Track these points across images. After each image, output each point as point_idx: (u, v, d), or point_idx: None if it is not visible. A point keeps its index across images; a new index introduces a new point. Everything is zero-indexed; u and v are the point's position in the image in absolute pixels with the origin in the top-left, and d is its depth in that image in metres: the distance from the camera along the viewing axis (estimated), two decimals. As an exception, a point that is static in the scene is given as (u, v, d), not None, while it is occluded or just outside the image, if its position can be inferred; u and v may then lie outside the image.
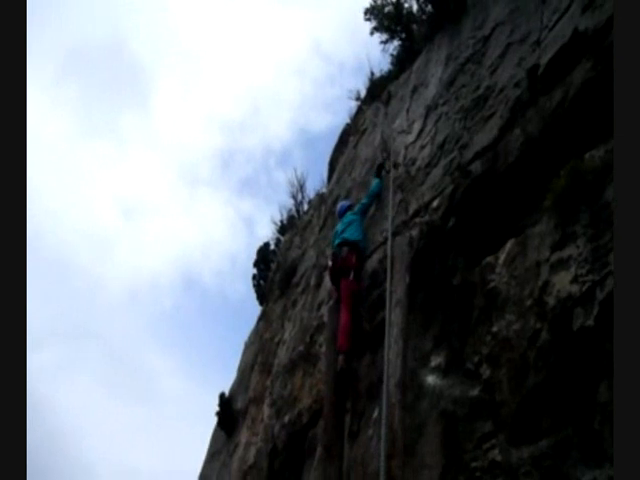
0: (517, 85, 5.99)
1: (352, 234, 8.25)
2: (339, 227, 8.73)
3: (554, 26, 5.73)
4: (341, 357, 7.34)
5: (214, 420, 13.94)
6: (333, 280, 8.22)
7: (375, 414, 6.40)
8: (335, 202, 10.64)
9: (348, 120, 12.54)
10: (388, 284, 6.48)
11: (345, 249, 8.03)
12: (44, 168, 60.19)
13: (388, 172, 8.41)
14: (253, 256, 15.66)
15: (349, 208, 9.06)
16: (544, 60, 5.69)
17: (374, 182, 8.69)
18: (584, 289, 4.15)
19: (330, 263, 8.24)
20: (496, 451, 4.42)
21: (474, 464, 4.56)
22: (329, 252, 8.95)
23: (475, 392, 4.89)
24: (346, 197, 9.87)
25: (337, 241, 8.36)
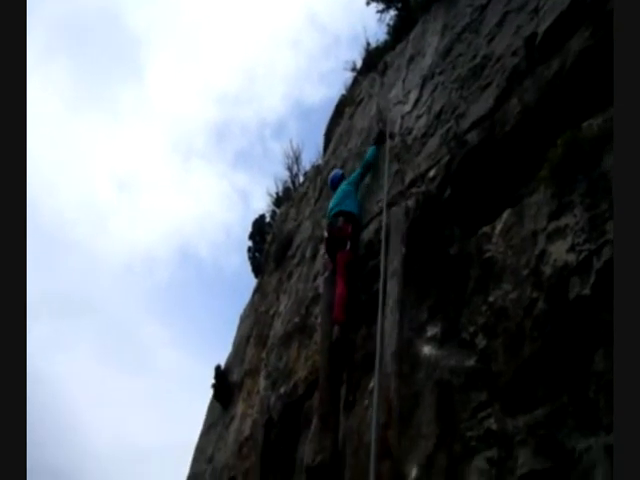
0: (514, 54, 5.91)
1: (348, 205, 8.19)
2: (334, 198, 8.68)
3: (552, -7, 5.65)
4: (337, 328, 7.34)
5: (210, 392, 14.02)
6: (329, 251, 8.19)
7: (371, 385, 6.40)
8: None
9: (344, 91, 12.47)
10: (382, 255, 6.46)
11: (341, 219, 7.99)
12: (38, 141, 59.81)
13: (384, 142, 8.35)
14: (248, 229, 15.65)
15: (342, 177, 9.00)
16: (542, 28, 5.61)
17: (369, 150, 8.63)
18: (581, 258, 4.13)
19: (326, 234, 8.22)
20: (491, 420, 4.43)
21: (469, 433, 4.57)
22: (325, 223, 8.92)
23: (471, 362, 4.89)
24: (342, 168, 9.79)
25: (333, 212, 8.32)
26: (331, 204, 8.60)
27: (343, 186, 8.61)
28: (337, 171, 9.38)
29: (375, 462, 4.80)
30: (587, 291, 3.98)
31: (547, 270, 4.40)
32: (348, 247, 7.75)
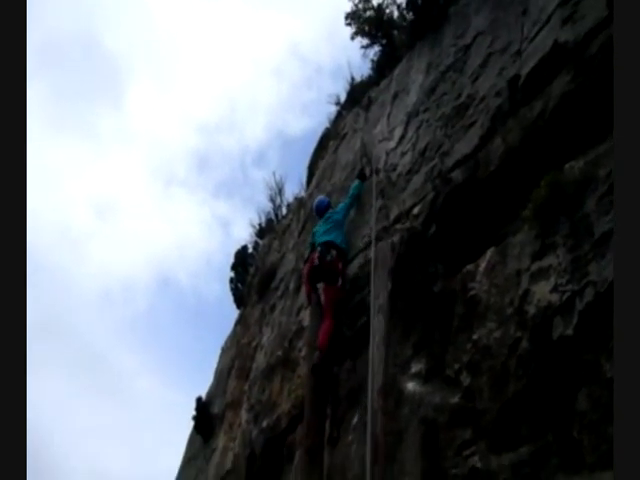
0: (498, 94, 6.04)
1: (338, 237, 8.19)
2: (321, 225, 8.64)
3: (534, 37, 5.79)
4: (317, 353, 7.34)
5: (189, 423, 13.88)
6: (312, 279, 8.19)
7: (355, 420, 6.43)
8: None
9: (327, 124, 12.56)
10: (372, 288, 6.51)
11: (334, 252, 7.96)
12: (17, 167, 59.26)
13: (369, 177, 8.44)
14: (229, 258, 15.63)
15: (329, 205, 9.03)
16: (525, 71, 5.75)
17: (355, 183, 8.69)
18: (564, 299, 4.21)
19: (317, 261, 8.04)
20: (476, 458, 4.46)
21: (454, 471, 4.60)
22: (307, 253, 8.88)
23: (455, 399, 4.93)
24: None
25: (321, 239, 8.25)
26: (319, 229, 8.55)
27: (334, 215, 8.57)
28: (323, 198, 9.37)
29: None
30: (570, 331, 4.05)
31: (531, 310, 4.47)
32: (340, 284, 7.77)
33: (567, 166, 4.82)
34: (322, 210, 8.97)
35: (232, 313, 14.80)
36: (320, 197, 9.53)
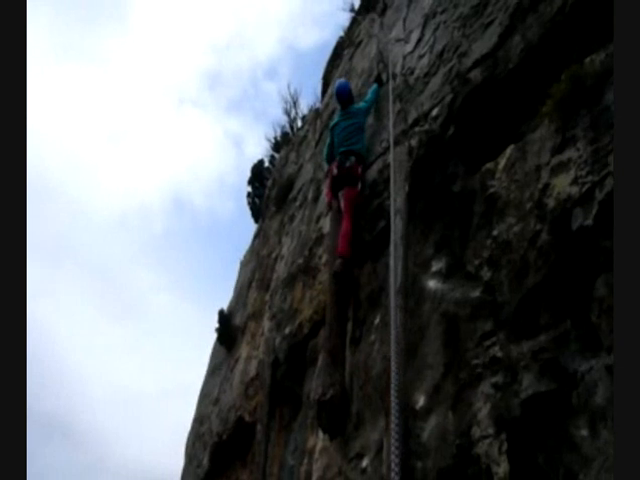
0: (517, -9, 5.94)
1: (357, 143, 8.22)
2: (341, 122, 8.64)
3: None
4: (339, 261, 7.47)
5: (210, 336, 14.27)
6: (334, 189, 8.27)
7: (377, 320, 6.58)
8: (331, 116, 10.61)
9: (341, 33, 12.42)
10: (392, 191, 6.57)
11: (352, 159, 8.02)
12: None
13: (386, 82, 8.39)
14: (243, 176, 15.85)
15: (350, 94, 8.94)
16: (545, -36, 5.63)
17: (371, 88, 8.65)
18: (583, 190, 4.25)
19: (335, 171, 8.19)
20: (496, 348, 4.59)
21: (475, 361, 4.74)
22: (325, 153, 8.92)
23: (476, 293, 5.04)
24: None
25: (341, 149, 8.32)
26: (339, 127, 8.56)
27: (354, 118, 8.55)
28: (345, 81, 9.25)
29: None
30: (590, 222, 4.10)
31: (550, 203, 4.52)
32: (359, 187, 7.83)
33: (587, 60, 4.78)
34: (344, 97, 8.90)
35: (248, 229, 15.00)
36: (340, 80, 9.42)
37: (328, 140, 8.98)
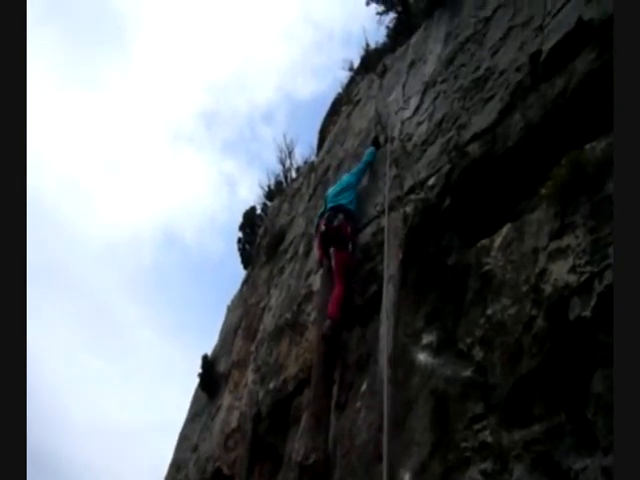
0: (518, 70, 5.99)
1: (348, 201, 8.19)
2: (333, 188, 8.67)
3: (557, 13, 5.72)
4: (328, 323, 7.39)
5: (191, 380, 14.11)
6: (323, 245, 8.22)
7: (364, 387, 6.51)
8: (326, 172, 10.65)
9: (338, 89, 12.55)
10: (385, 257, 6.55)
11: (341, 216, 7.99)
12: (23, 118, 58.98)
13: (383, 145, 8.43)
14: (234, 216, 15.88)
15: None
16: (547, 46, 5.69)
17: (369, 149, 8.69)
18: (582, 280, 4.22)
19: (323, 228, 8.13)
20: (487, 432, 4.52)
21: (464, 444, 4.67)
22: (317, 217, 8.91)
23: (467, 373, 4.98)
24: (338, 167, 9.87)
25: (330, 204, 8.30)
26: (331, 192, 8.57)
27: (346, 176, 8.62)
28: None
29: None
30: (587, 313, 4.08)
31: (547, 289, 4.50)
32: (350, 249, 7.80)
33: (588, 147, 4.81)
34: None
35: (237, 271, 14.95)
36: None
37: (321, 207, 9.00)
